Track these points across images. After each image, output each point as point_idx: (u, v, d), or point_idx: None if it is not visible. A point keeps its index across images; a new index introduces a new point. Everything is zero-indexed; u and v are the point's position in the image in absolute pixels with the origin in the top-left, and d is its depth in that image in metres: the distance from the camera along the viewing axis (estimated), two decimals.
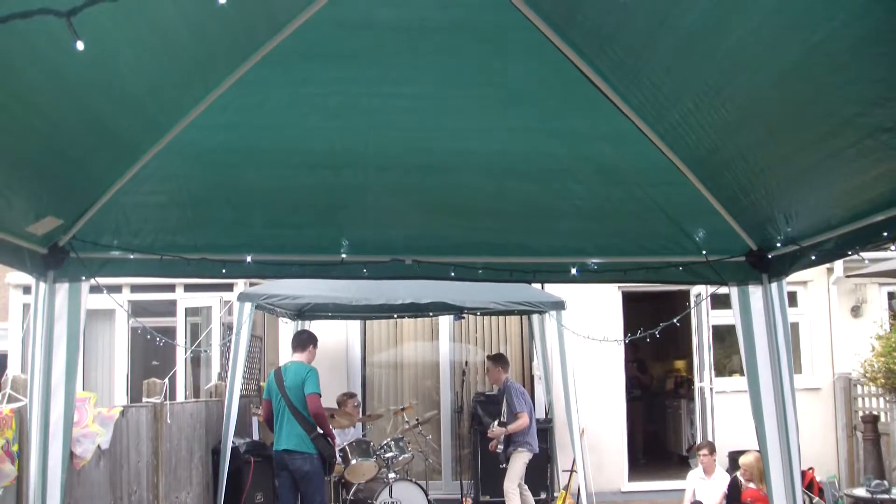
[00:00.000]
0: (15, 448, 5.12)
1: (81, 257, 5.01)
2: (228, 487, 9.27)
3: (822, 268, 12.98)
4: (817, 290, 13.27)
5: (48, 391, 4.98)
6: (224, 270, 5.31)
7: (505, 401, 10.75)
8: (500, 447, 10.73)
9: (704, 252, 5.28)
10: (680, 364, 16.11)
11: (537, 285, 11.53)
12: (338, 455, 10.26)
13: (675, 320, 6.27)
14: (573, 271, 5.38)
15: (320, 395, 9.05)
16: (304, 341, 9.46)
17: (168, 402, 8.04)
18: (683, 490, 11.14)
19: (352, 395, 11.33)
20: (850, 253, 4.54)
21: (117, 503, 6.93)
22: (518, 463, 10.59)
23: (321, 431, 9.10)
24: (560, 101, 4.23)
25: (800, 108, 3.61)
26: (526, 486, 10.82)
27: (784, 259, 5.06)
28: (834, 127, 3.62)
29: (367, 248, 5.29)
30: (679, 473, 12.11)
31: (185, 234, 5.19)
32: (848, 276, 12.80)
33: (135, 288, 12.84)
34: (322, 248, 5.29)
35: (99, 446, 6.48)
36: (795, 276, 11.33)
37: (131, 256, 5.15)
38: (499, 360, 11.10)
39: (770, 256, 5.17)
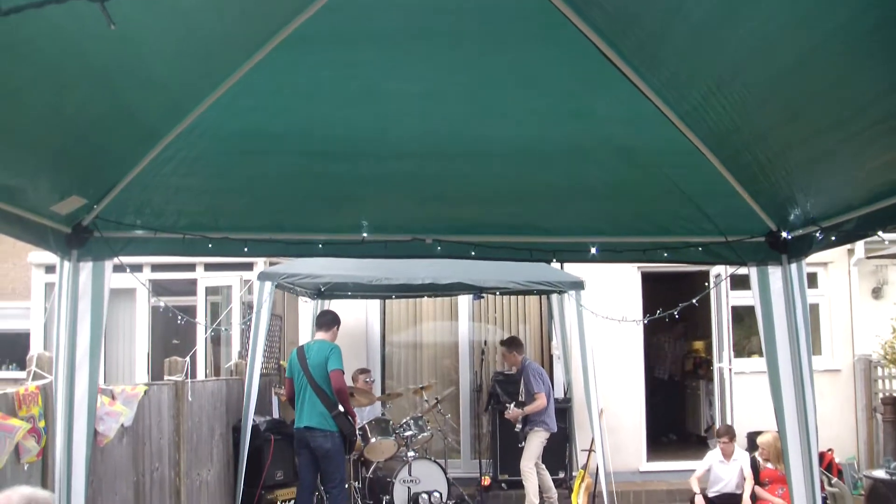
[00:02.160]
0: (42, 424, 5.18)
1: (105, 236, 5.06)
2: (249, 465, 9.35)
3: (843, 249, 12.92)
4: (838, 271, 13.21)
5: (73, 369, 5.04)
6: (246, 249, 5.34)
7: (523, 381, 10.79)
8: (519, 425, 10.77)
9: (724, 233, 5.27)
10: (699, 345, 16.09)
11: (557, 265, 11.54)
12: (357, 433, 10.33)
13: (694, 300, 6.29)
14: (592, 251, 5.39)
15: (343, 372, 9.12)
16: (329, 322, 9.52)
17: (189, 380, 8.09)
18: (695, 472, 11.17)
19: (365, 371, 11.38)
20: (870, 234, 4.54)
21: (140, 480, 7.00)
22: (535, 442, 10.63)
23: (342, 409, 9.16)
24: (579, 83, 4.23)
25: (820, 89, 3.60)
26: (543, 466, 10.86)
27: (803, 240, 5.05)
28: (854, 108, 3.62)
29: (387, 228, 5.31)
30: (697, 454, 12.11)
31: (207, 215, 5.22)
32: (869, 258, 12.76)
33: (155, 267, 12.91)
34: (343, 227, 5.31)
35: (122, 424, 6.54)
36: (816, 258, 11.33)
37: (154, 235, 5.20)
38: (512, 343, 11.11)
39: (789, 237, 5.16)
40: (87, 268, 5.13)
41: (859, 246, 12.70)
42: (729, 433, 11.04)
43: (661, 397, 15.63)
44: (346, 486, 10.16)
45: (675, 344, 15.54)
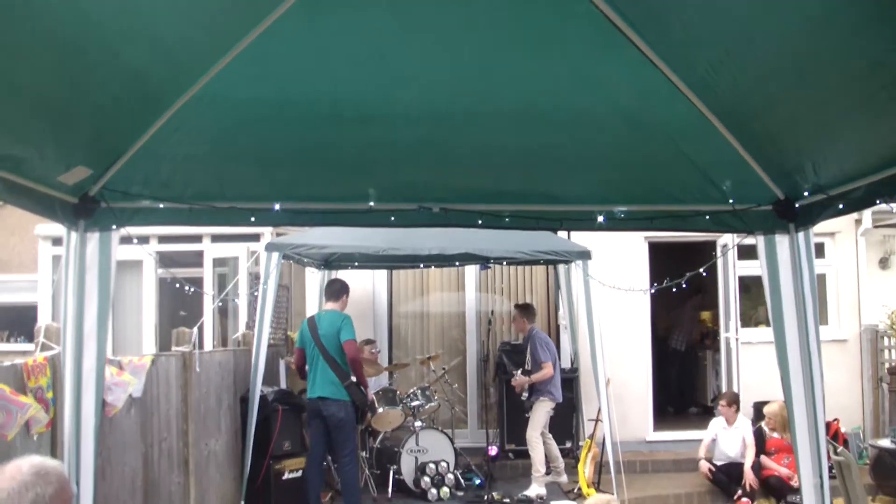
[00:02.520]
0: (49, 395, 5.19)
1: (111, 207, 5.05)
2: (257, 435, 9.39)
3: (850, 219, 12.90)
4: (845, 241, 13.19)
5: (80, 340, 5.05)
6: (253, 219, 5.33)
7: (529, 350, 10.82)
8: (525, 394, 10.79)
9: (731, 201, 5.26)
10: (706, 315, 16.09)
11: (563, 235, 11.53)
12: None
13: (701, 270, 6.28)
14: (600, 219, 5.38)
15: (356, 342, 9.18)
16: (337, 291, 9.55)
17: (197, 350, 8.11)
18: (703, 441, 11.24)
19: (371, 342, 11.43)
20: (878, 202, 4.51)
21: (148, 450, 7.03)
22: (540, 412, 10.67)
23: (354, 379, 9.22)
24: (588, 51, 4.20)
25: (829, 55, 3.58)
26: (550, 435, 10.90)
27: (812, 208, 5.03)
28: (861, 76, 3.60)
29: (395, 196, 5.30)
30: (703, 424, 12.15)
31: (214, 185, 5.21)
32: (877, 227, 12.73)
33: (162, 239, 12.92)
34: (350, 196, 5.30)
35: (130, 395, 6.56)
36: (823, 228, 11.32)
37: (161, 206, 5.19)
38: (526, 309, 11.15)
39: (797, 205, 5.14)
40: (94, 238, 5.13)
41: (866, 216, 12.67)
42: (727, 397, 11.09)
43: (678, 368, 15.59)
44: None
45: (694, 315, 15.44)
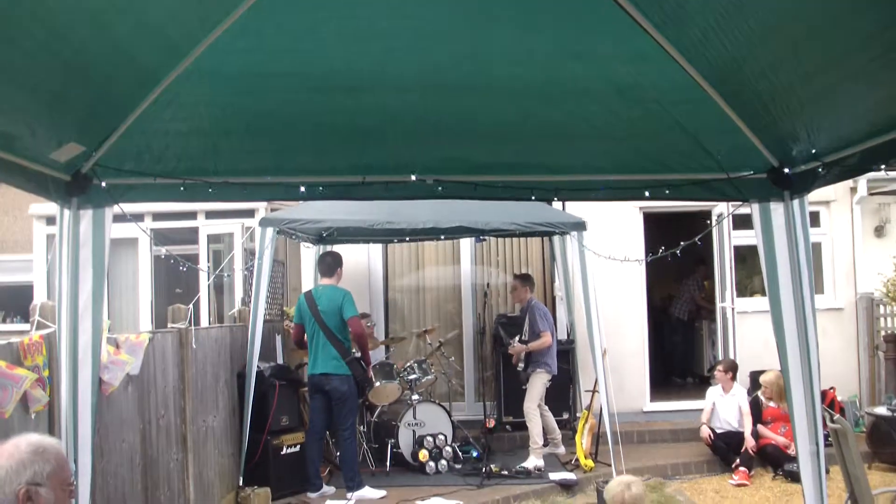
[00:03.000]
0: (46, 373, 5.19)
1: (105, 183, 5.03)
2: (254, 411, 9.41)
3: (846, 188, 12.92)
4: (840, 210, 13.21)
5: (76, 317, 5.04)
6: (246, 193, 5.31)
7: (527, 319, 10.83)
8: (521, 364, 10.82)
9: (726, 169, 5.24)
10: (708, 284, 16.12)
11: (558, 206, 11.53)
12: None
13: (696, 239, 6.28)
14: (595, 189, 5.38)
15: (360, 318, 9.22)
16: (331, 265, 9.60)
17: (193, 327, 8.11)
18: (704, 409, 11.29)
19: (365, 316, 11.46)
20: (872, 168, 4.50)
21: (146, 427, 7.04)
22: (537, 384, 10.71)
23: (357, 355, 9.28)
24: (580, 21, 4.16)
25: (823, 23, 3.56)
26: (546, 408, 10.94)
27: (806, 175, 5.02)
28: (856, 43, 3.58)
29: (388, 169, 5.28)
30: (700, 394, 12.21)
31: (207, 160, 5.18)
32: (872, 194, 12.74)
33: (157, 216, 12.92)
34: (344, 169, 5.28)
35: (128, 373, 6.56)
36: (818, 196, 11.32)
37: (154, 181, 5.17)
38: (526, 279, 11.18)
39: (792, 173, 5.13)
40: (87, 216, 5.11)
41: (862, 184, 12.69)
42: (724, 364, 11.14)
43: (682, 336, 15.57)
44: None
45: (698, 285, 15.36)
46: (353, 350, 9.47)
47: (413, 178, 5.28)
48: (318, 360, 9.41)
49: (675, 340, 15.50)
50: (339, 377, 9.34)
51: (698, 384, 14.62)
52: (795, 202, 5.25)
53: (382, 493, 9.53)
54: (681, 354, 15.66)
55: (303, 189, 5.41)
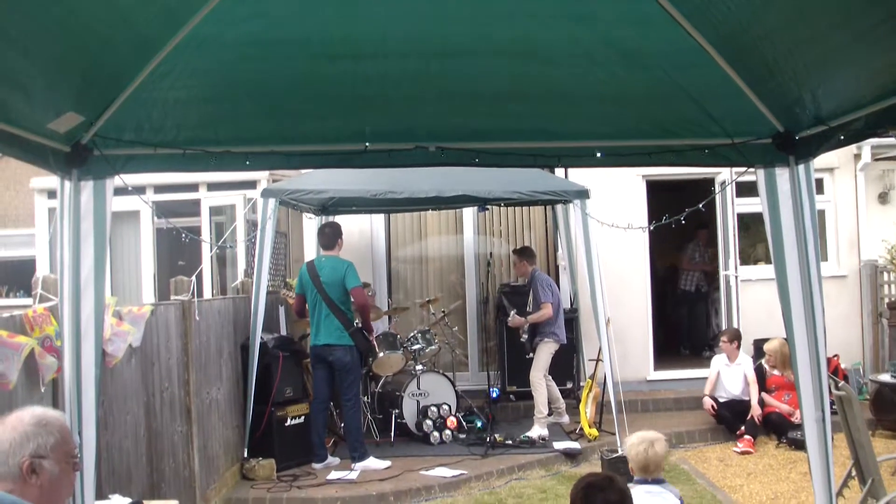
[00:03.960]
0: (59, 343, 5.18)
1: (105, 154, 5.00)
2: (258, 383, 9.42)
3: (849, 154, 12.86)
4: (844, 177, 13.16)
5: (78, 289, 5.02)
6: (248, 162, 5.25)
7: (531, 292, 10.84)
8: (525, 336, 10.83)
9: (730, 135, 5.20)
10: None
11: (561, 174, 11.50)
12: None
13: (700, 205, 6.25)
14: (598, 155, 5.33)
15: (363, 288, 9.24)
16: (331, 237, 9.61)
17: (196, 299, 8.10)
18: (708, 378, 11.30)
19: (366, 285, 11.46)
20: (879, 132, 4.47)
21: (150, 400, 7.05)
22: (544, 353, 10.72)
23: (359, 325, 9.31)
24: None
25: None
26: (550, 377, 10.94)
27: (811, 140, 4.97)
28: (865, 4, 3.54)
29: (390, 136, 5.22)
30: (704, 362, 12.22)
31: (207, 129, 5.14)
32: (876, 160, 12.69)
33: (158, 189, 12.91)
34: (345, 137, 5.23)
35: (130, 345, 6.56)
36: (822, 163, 11.27)
37: (154, 152, 5.13)
38: (524, 252, 11.17)
39: (797, 137, 5.09)
40: (88, 187, 5.08)
41: (866, 151, 12.65)
42: (729, 333, 11.14)
43: (687, 309, 15.29)
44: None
45: (703, 251, 15.00)
46: (356, 321, 9.48)
47: (415, 145, 5.24)
48: (321, 331, 9.43)
49: (682, 313, 15.29)
50: (343, 348, 9.38)
51: (707, 356, 14.51)
52: (801, 167, 5.20)
53: (387, 463, 9.55)
54: (689, 327, 15.39)
55: (304, 158, 5.37)
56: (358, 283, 9.36)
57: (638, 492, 4.79)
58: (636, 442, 5.05)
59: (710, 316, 15.16)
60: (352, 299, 9.38)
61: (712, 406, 10.95)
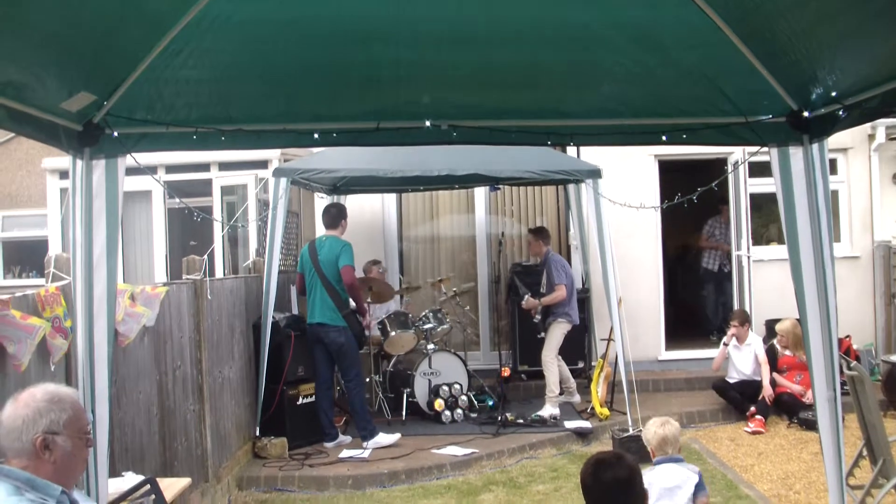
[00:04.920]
0: (68, 324, 5.19)
1: (116, 133, 5.00)
2: (270, 361, 9.45)
3: (864, 135, 12.79)
4: (858, 157, 13.09)
5: (90, 267, 5.02)
6: (259, 141, 5.27)
7: (545, 272, 10.84)
8: (538, 316, 10.83)
9: (744, 113, 5.17)
10: None
11: (573, 153, 11.47)
12: (375, 329, 10.48)
13: (713, 184, 6.23)
14: (611, 134, 5.31)
15: (354, 268, 9.25)
16: (334, 217, 9.63)
17: (208, 278, 8.11)
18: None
19: (376, 262, 11.51)
20: (895, 111, 4.43)
21: (163, 378, 7.07)
22: (556, 333, 10.72)
23: (353, 308, 9.33)
24: None
25: None
26: (560, 357, 10.94)
27: (826, 119, 4.94)
28: None
29: (402, 115, 5.21)
30: (715, 343, 12.18)
31: (219, 108, 5.14)
32: (891, 139, 12.61)
33: (170, 169, 12.92)
34: (357, 115, 5.22)
35: (144, 325, 6.57)
36: (835, 143, 11.20)
37: (166, 130, 5.13)
38: (540, 232, 11.16)
39: (811, 116, 5.06)
40: (100, 166, 5.07)
41: (880, 131, 12.59)
42: (739, 317, 11.12)
43: (713, 287, 14.78)
44: (367, 379, 10.32)
45: (725, 228, 14.38)
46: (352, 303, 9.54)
47: (427, 123, 5.22)
48: (316, 310, 9.51)
49: (706, 292, 14.97)
50: (336, 328, 9.42)
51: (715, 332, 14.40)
52: (815, 147, 5.16)
53: (397, 436, 9.63)
54: (717, 306, 15.01)
55: (316, 136, 5.34)
56: (348, 262, 9.35)
57: (659, 470, 5.15)
58: (651, 424, 5.38)
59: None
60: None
61: (722, 379, 10.97)
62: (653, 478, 5.09)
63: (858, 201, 13.14)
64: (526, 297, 10.95)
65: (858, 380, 6.70)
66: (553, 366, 10.69)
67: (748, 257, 12.40)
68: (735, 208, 12.76)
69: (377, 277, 11.11)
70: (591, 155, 11.58)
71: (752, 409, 10.46)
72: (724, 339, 11.22)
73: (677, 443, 5.33)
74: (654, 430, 5.33)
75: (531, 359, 11.50)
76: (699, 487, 5.10)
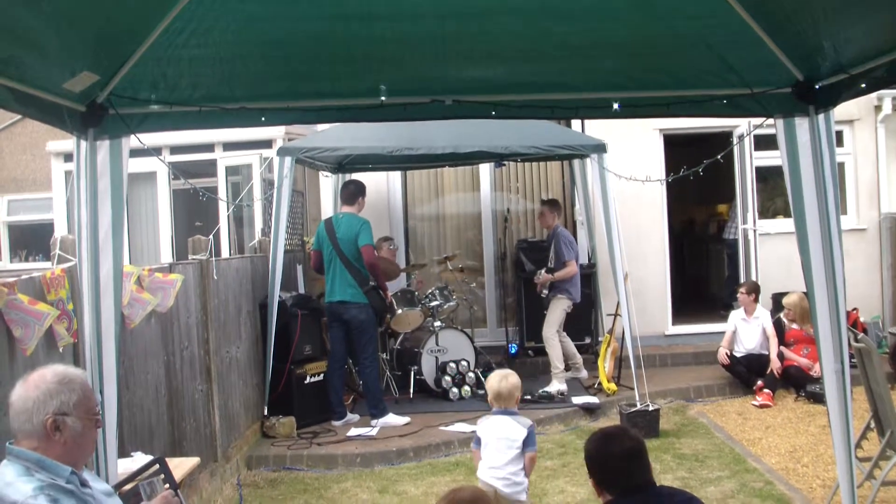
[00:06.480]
0: (70, 307, 5.20)
1: (120, 113, 4.99)
2: (277, 341, 9.46)
3: (870, 106, 12.74)
4: (864, 129, 13.03)
5: (96, 247, 5.02)
6: (263, 118, 5.24)
7: (553, 248, 10.81)
8: (545, 291, 10.81)
9: (749, 84, 5.14)
10: (723, 208, 15.92)
11: (578, 128, 11.43)
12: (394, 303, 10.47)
13: (718, 157, 6.20)
14: (615, 106, 5.27)
15: (374, 247, 9.24)
16: (353, 193, 9.61)
17: (214, 258, 8.11)
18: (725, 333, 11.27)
19: (388, 239, 11.49)
20: None
21: (170, 359, 7.08)
22: (557, 310, 10.71)
23: (373, 284, 9.31)
24: None
25: None
26: (564, 333, 10.93)
27: (831, 89, 4.91)
28: None
29: (406, 90, 5.18)
30: (722, 317, 12.17)
31: (222, 87, 5.12)
32: None
33: (174, 150, 12.92)
34: (361, 92, 5.19)
35: (154, 309, 6.58)
36: (841, 115, 11.15)
37: (170, 109, 5.11)
38: (553, 204, 11.12)
39: (817, 87, 5.02)
40: (104, 146, 5.06)
41: (887, 102, 12.53)
42: (748, 285, 11.09)
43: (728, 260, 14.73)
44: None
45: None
46: (371, 280, 9.50)
47: (431, 98, 5.21)
48: (336, 288, 9.47)
49: (724, 260, 14.84)
50: (357, 305, 9.40)
51: (720, 306, 14.40)
52: (821, 117, 5.13)
53: (406, 419, 9.60)
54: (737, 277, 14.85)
55: (320, 112, 5.34)
56: (368, 241, 9.34)
57: (492, 420, 5.79)
58: (492, 377, 5.86)
59: (722, 267, 14.96)
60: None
61: (726, 355, 10.92)
62: (485, 427, 5.78)
63: (865, 173, 13.10)
64: (540, 272, 10.92)
65: (866, 352, 6.69)
66: (554, 341, 10.67)
67: (754, 231, 12.37)
68: (740, 181, 12.73)
69: (387, 255, 11.11)
70: (596, 130, 11.54)
71: (760, 382, 10.46)
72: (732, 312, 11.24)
73: (511, 398, 5.76)
74: (492, 383, 5.79)
75: (538, 335, 11.49)
76: (527, 442, 5.63)
